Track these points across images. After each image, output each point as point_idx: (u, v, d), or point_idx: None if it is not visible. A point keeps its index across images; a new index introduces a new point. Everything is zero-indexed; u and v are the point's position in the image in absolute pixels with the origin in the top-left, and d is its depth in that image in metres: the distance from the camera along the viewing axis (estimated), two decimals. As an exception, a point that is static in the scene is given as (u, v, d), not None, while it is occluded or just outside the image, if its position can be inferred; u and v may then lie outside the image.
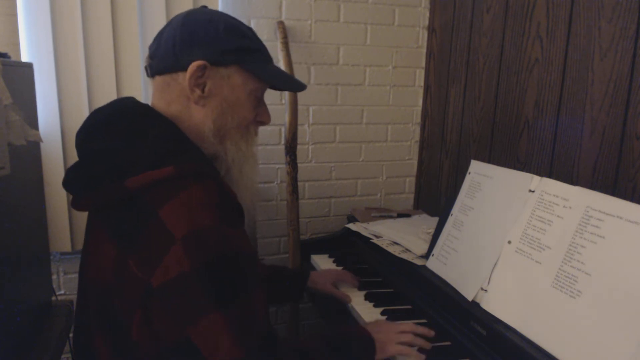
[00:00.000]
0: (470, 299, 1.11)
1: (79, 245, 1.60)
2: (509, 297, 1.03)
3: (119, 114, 0.84)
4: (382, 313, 1.24)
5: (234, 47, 0.85)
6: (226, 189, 0.80)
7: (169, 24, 0.88)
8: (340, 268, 1.55)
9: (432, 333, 1.09)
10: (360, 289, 1.39)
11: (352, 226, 1.71)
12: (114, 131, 0.81)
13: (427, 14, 1.94)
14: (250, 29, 0.92)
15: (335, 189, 1.98)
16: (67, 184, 0.84)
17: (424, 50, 1.97)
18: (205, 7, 0.94)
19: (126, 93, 1.61)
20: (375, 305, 1.28)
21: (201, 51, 0.83)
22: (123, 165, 0.77)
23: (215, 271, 0.72)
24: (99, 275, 0.80)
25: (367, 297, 1.32)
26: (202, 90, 0.85)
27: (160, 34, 0.88)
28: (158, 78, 0.88)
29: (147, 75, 0.90)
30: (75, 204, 0.83)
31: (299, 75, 1.79)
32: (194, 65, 0.83)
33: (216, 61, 0.84)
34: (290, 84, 0.98)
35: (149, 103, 0.90)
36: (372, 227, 1.65)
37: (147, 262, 0.72)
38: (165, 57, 0.85)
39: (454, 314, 1.14)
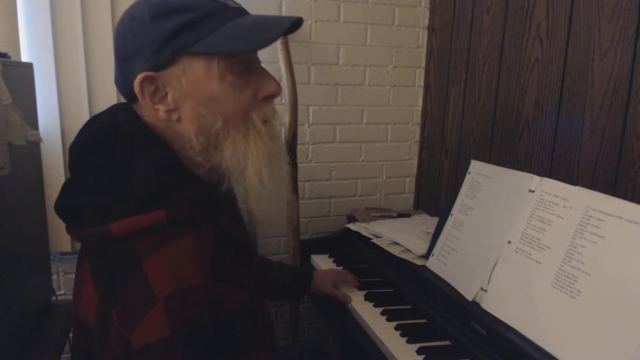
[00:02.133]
0: (470, 299, 1.11)
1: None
2: (509, 297, 1.03)
3: (110, 132, 0.72)
4: (382, 313, 1.24)
5: (169, 34, 0.67)
6: (226, 229, 0.70)
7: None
8: (340, 268, 1.54)
9: None
10: (360, 289, 1.38)
11: (352, 226, 1.71)
12: (101, 155, 0.70)
13: (427, 14, 1.94)
14: None
15: (335, 189, 1.97)
16: (57, 208, 0.75)
17: (424, 50, 1.97)
18: None
19: (126, 93, 1.61)
20: (375, 305, 1.28)
21: (138, 60, 0.68)
22: (108, 205, 0.67)
23: (200, 338, 0.60)
24: (83, 312, 0.71)
25: (367, 297, 1.32)
26: (167, 104, 0.70)
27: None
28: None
29: None
30: (68, 231, 0.74)
31: (299, 75, 1.78)
32: (136, 83, 0.68)
33: (158, 64, 0.68)
34: (261, 33, 0.69)
35: None
36: (372, 227, 1.65)
37: (129, 318, 0.62)
38: (118, 79, 0.73)
39: (454, 314, 1.14)
